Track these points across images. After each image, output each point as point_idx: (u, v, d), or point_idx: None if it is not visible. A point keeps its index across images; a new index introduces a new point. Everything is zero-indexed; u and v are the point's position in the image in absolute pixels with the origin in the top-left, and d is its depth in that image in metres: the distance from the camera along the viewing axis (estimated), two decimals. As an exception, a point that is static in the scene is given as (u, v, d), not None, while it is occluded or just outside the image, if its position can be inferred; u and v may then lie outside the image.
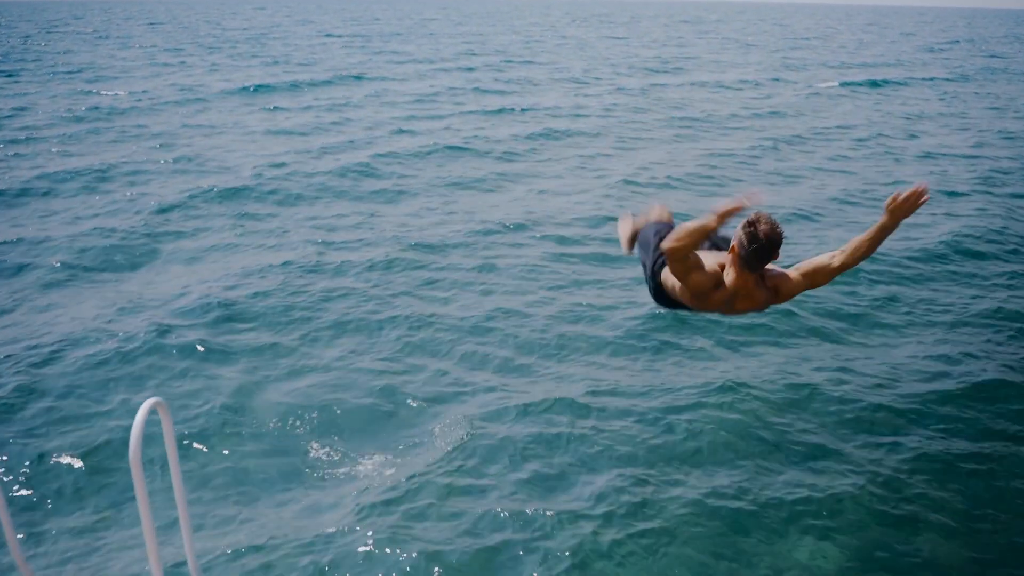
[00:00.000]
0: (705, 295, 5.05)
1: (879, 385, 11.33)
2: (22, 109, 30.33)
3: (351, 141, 25.78)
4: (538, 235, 17.12)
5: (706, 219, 4.72)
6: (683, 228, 4.82)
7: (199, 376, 11.59)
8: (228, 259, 16.09)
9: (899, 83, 38.44)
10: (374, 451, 9.76)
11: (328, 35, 60.75)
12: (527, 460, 9.54)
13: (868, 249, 5.09)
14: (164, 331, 12.79)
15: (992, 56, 51.34)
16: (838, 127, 28.40)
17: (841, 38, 62.83)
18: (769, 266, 5.01)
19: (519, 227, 17.59)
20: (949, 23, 76.39)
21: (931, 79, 39.71)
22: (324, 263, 15.48)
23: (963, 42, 58.97)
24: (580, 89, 36.67)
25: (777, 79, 39.86)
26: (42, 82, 36.44)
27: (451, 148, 24.64)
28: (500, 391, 11.06)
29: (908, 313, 13.59)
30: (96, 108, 30.69)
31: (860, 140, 26.42)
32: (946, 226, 17.72)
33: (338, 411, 10.57)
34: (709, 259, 5.09)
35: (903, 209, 4.99)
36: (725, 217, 4.66)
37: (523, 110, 30.99)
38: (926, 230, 17.52)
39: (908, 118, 30.46)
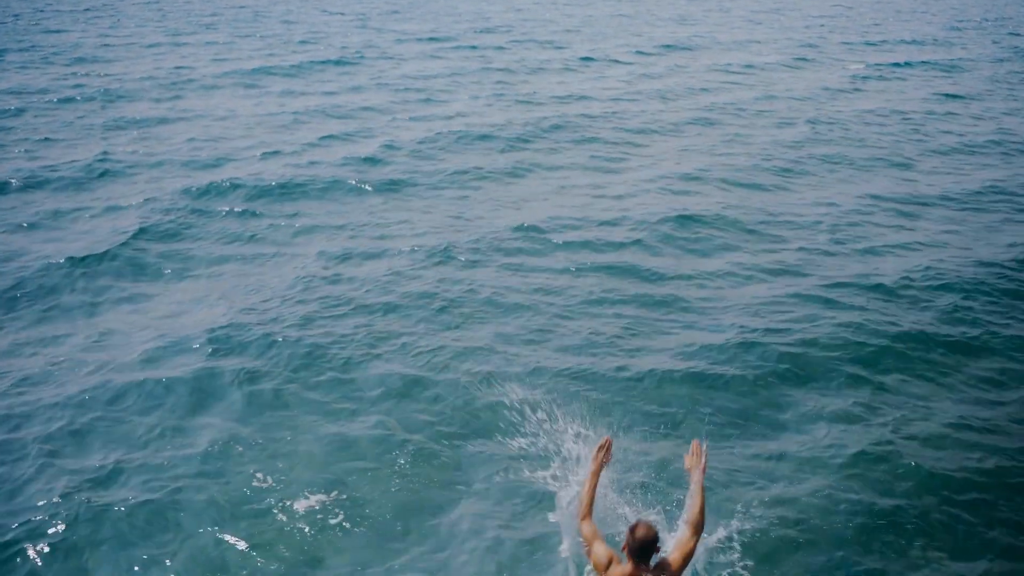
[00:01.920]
0: (606, 569, 6.30)
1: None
2: (4, 94, 28.59)
3: (356, 130, 24.14)
4: (574, 239, 15.55)
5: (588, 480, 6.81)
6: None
7: (181, 429, 10.09)
8: (222, 274, 14.51)
9: (931, 64, 36.61)
10: (394, 548, 8.23)
11: (326, 11, 58.89)
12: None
13: (696, 509, 6.43)
14: (149, 366, 11.30)
15: (1015, 34, 49.56)
16: (874, 112, 26.58)
17: (852, 14, 60.91)
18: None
19: (548, 229, 16.02)
20: (959, 1, 74.46)
21: (963, 59, 37.96)
22: (330, 279, 13.91)
23: (983, 20, 57.16)
24: (595, 71, 34.91)
25: (802, 58, 38.10)
26: (26, 64, 34.69)
27: (464, 136, 22.98)
28: (545, 459, 9.24)
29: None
30: (82, 89, 28.98)
31: (902, 128, 24.56)
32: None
33: (350, 485, 9.05)
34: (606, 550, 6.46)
35: (699, 464, 6.67)
36: (596, 463, 6.88)
37: (537, 95, 29.23)
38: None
39: (949, 101, 28.62)
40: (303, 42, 42.79)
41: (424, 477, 9.03)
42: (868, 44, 43.59)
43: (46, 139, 22.91)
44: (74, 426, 10.09)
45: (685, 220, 16.43)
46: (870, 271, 13.99)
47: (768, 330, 11.91)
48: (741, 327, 11.98)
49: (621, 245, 15.37)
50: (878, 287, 13.27)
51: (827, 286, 13.38)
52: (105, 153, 21.24)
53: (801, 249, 15.07)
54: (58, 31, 45.87)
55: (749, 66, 35.96)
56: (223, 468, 9.25)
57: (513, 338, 11.85)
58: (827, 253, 14.92)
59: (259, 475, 9.09)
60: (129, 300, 13.51)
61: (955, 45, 43.45)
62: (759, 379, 10.78)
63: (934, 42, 44.57)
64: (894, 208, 17.32)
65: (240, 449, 9.57)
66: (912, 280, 13.49)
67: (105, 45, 40.49)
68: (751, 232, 15.98)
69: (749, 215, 16.78)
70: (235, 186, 18.46)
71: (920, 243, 15.34)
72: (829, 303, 12.81)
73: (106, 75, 32.16)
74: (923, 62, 37.09)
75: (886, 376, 10.93)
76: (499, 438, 9.51)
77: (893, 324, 12.12)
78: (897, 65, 36.14)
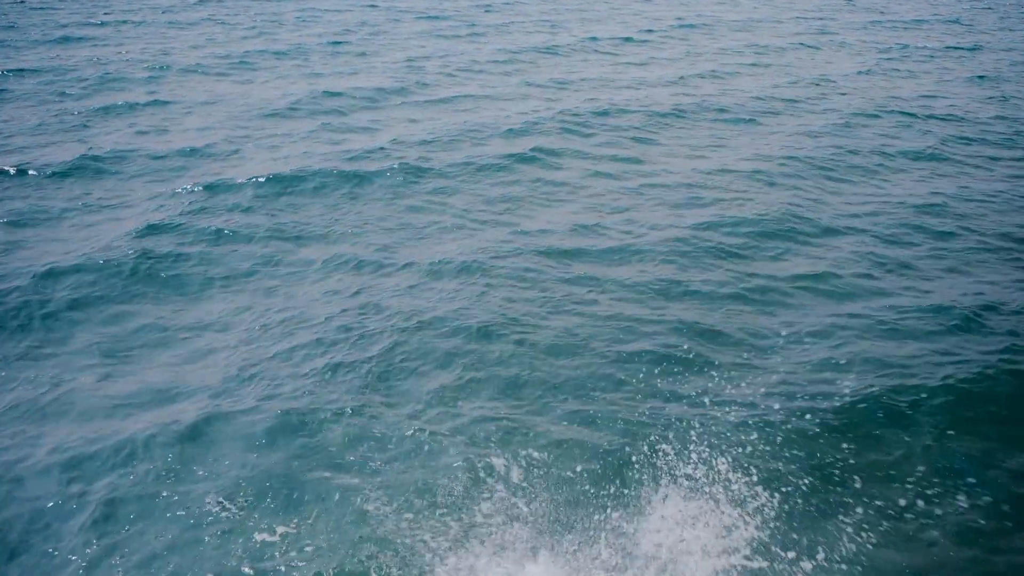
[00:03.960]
0: None
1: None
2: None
3: (359, 121, 22.89)
4: (598, 247, 14.42)
5: None
6: None
7: (184, 477, 9.05)
8: (230, 291, 13.35)
9: (952, 47, 35.33)
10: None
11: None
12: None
13: None
14: (150, 405, 10.27)
15: (1025, 14, 48.41)
16: (908, 99, 25.18)
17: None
18: None
19: (572, 233, 14.90)
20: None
21: (984, 42, 36.80)
22: (342, 294, 12.79)
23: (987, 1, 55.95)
24: (604, 54, 33.62)
25: (816, 38, 36.94)
26: (6, 43, 33.18)
27: (474, 125, 21.76)
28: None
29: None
30: (70, 72, 27.57)
31: (943, 116, 23.18)
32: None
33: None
34: None
35: None
36: None
37: (547, 79, 27.92)
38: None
39: (982, 86, 27.37)
40: (298, 19, 41.37)
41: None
42: (877, 24, 42.44)
43: (34, 127, 21.60)
44: (62, 478, 9.11)
45: (724, 226, 15.30)
46: (934, 289, 12.90)
47: (835, 372, 10.77)
48: (803, 360, 10.92)
49: (653, 255, 14.19)
50: (946, 310, 12.16)
51: (893, 308, 12.29)
52: (97, 144, 20.00)
53: (859, 263, 13.89)
54: (42, 8, 44.31)
55: (763, 48, 34.75)
56: (227, 530, 8.27)
57: (531, 379, 10.70)
58: (888, 265, 13.79)
59: (268, 540, 8.13)
60: (129, 321, 12.39)
61: (969, 25, 42.29)
62: (833, 439, 9.55)
63: (947, 22, 43.40)
64: (952, 210, 16.14)
65: (248, 506, 8.60)
66: (982, 300, 12.42)
67: (93, 24, 38.96)
68: (801, 241, 14.76)
69: (796, 220, 15.58)
70: (237, 183, 17.31)
71: (985, 251, 14.27)
72: (898, 330, 11.68)
73: (95, 57, 30.73)
74: (941, 44, 35.94)
75: (963, 424, 9.87)
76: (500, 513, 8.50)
77: (959, 357, 11.05)
78: (905, 46, 35.01)
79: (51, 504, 8.82)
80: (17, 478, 9.27)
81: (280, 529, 8.35)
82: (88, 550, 8.23)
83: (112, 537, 8.34)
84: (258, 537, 8.25)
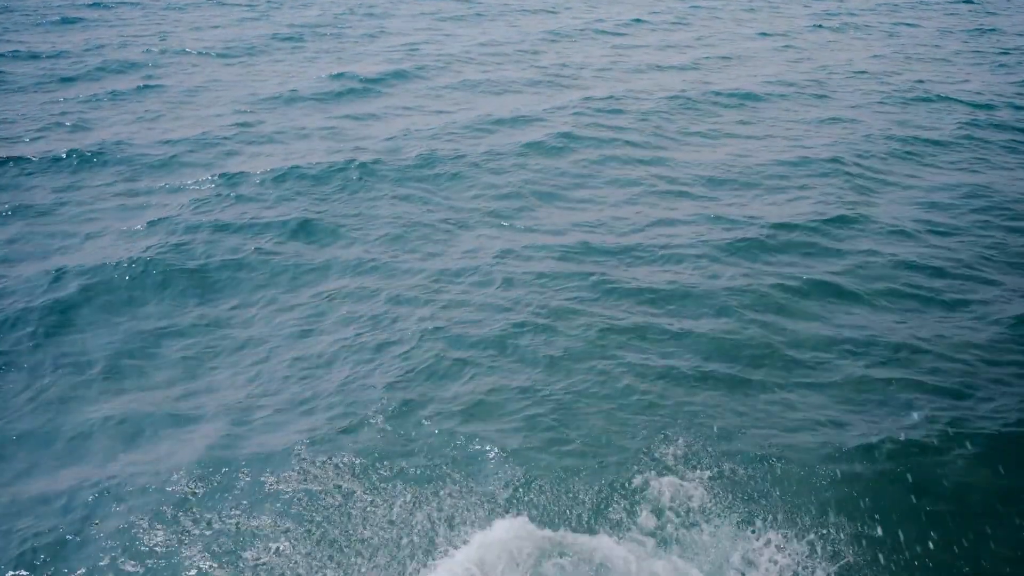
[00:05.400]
0: None
1: None
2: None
3: (366, 111, 22.16)
4: (629, 249, 13.78)
5: None
6: None
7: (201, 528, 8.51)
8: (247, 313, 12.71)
9: (971, 31, 34.59)
10: None
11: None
12: None
13: None
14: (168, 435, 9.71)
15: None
16: (934, 83, 24.49)
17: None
18: None
19: (601, 243, 14.24)
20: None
21: (1000, 26, 36.04)
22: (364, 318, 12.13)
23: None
24: (614, 38, 32.85)
25: (828, 19, 36.21)
26: (5, 27, 32.44)
27: (484, 118, 21.01)
28: None
29: None
30: (70, 56, 26.87)
31: (971, 103, 22.47)
32: None
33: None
34: None
35: None
36: None
37: (556, 66, 27.15)
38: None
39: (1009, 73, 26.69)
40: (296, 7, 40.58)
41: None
42: (888, 4, 41.65)
43: (29, 114, 20.91)
44: (70, 491, 8.64)
45: (755, 223, 14.65)
46: (983, 293, 12.22)
47: (885, 392, 10.08)
48: (841, 376, 10.33)
49: (675, 253, 13.54)
50: (999, 320, 11.50)
51: (945, 315, 11.58)
52: (96, 132, 19.35)
53: (899, 264, 13.14)
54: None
55: (774, 30, 33.98)
56: None
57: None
58: (931, 266, 13.00)
59: None
60: (136, 324, 11.86)
61: (982, 5, 41.51)
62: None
63: (961, 2, 42.54)
64: (995, 202, 15.38)
65: (268, 523, 8.17)
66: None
67: (90, 6, 38.18)
68: (839, 240, 13.92)
69: (831, 215, 14.68)
70: (240, 175, 16.73)
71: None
72: (951, 345, 10.88)
73: (93, 40, 29.98)
74: (957, 25, 35.18)
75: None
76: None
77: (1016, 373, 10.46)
78: (915, 25, 34.24)
79: (59, 520, 8.37)
80: (23, 494, 8.81)
81: (305, 546, 7.94)
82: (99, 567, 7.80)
83: (122, 556, 7.89)
84: (272, 557, 7.80)
